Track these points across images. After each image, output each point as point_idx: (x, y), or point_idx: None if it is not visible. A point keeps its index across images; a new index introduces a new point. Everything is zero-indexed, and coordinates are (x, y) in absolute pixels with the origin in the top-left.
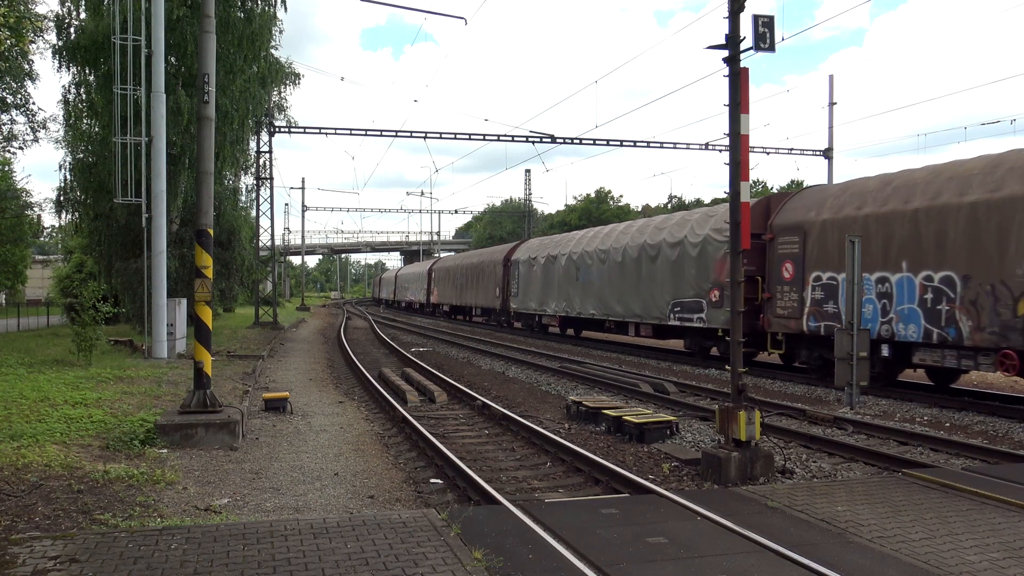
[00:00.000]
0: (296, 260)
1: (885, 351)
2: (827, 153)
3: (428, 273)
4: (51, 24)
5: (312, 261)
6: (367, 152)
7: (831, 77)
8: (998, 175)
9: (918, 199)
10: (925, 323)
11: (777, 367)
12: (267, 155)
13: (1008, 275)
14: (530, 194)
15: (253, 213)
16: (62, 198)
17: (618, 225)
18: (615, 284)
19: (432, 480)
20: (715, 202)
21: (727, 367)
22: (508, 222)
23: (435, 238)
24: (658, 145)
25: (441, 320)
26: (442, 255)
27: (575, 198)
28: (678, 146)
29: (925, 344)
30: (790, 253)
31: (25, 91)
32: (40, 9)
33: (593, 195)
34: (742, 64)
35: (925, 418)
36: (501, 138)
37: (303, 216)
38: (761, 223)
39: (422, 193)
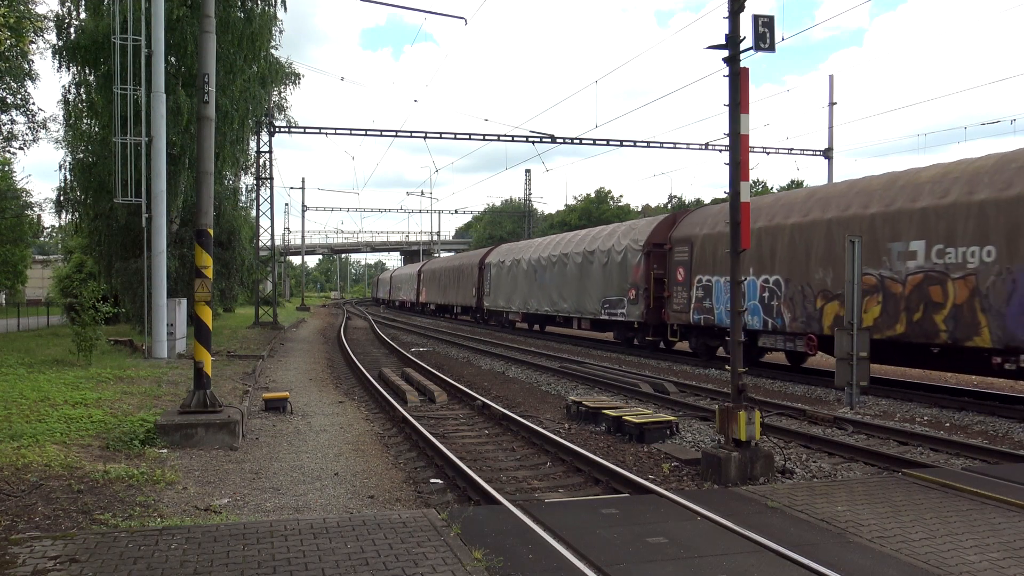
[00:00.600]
0: (296, 260)
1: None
2: (827, 153)
3: (418, 274)
4: (51, 24)
5: (312, 261)
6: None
7: (831, 77)
8: (810, 203)
9: (762, 220)
10: (763, 315)
11: (775, 367)
12: (267, 155)
13: (811, 279)
14: (530, 194)
15: (253, 213)
16: (62, 198)
17: (567, 234)
18: (562, 285)
19: (432, 480)
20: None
21: (727, 367)
22: (508, 222)
23: (435, 238)
24: (658, 145)
25: (441, 320)
26: (442, 255)
27: (575, 198)
28: (678, 146)
29: (763, 331)
30: (682, 260)
31: (25, 91)
32: (40, 9)
33: (593, 195)
34: (742, 64)
35: (925, 418)
36: (501, 138)
37: (303, 216)
38: (665, 235)
39: (422, 193)
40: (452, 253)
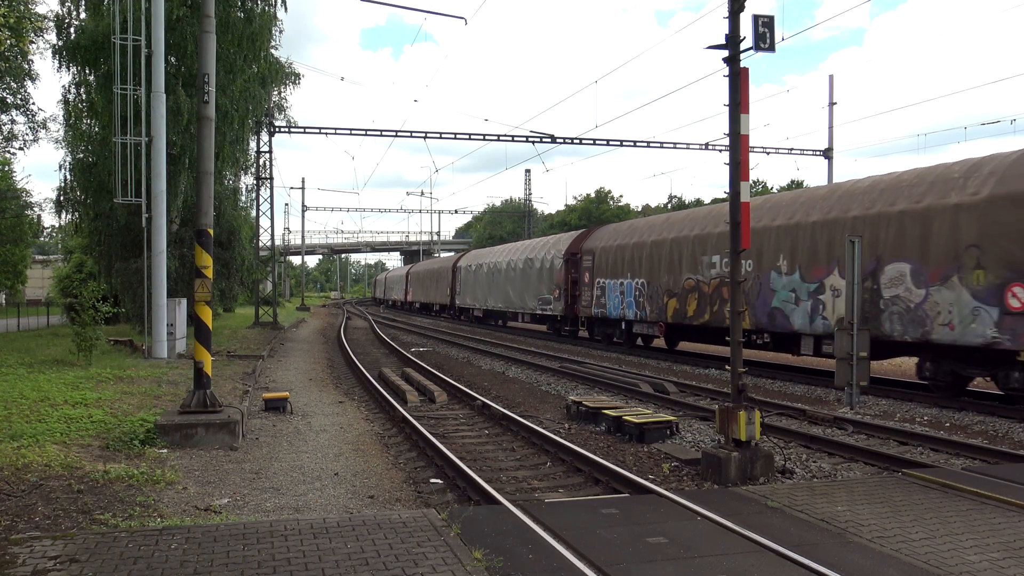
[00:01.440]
0: (296, 260)
1: (623, 325)
2: (827, 153)
3: (406, 276)
4: (51, 24)
5: (312, 261)
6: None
7: (831, 77)
8: (664, 226)
9: (635, 238)
10: (636, 309)
11: (776, 367)
12: (267, 155)
13: (660, 282)
14: (530, 194)
15: (253, 213)
16: (62, 198)
17: (517, 243)
18: (510, 286)
19: (432, 480)
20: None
21: (727, 367)
22: (508, 222)
23: (435, 238)
24: (658, 145)
25: (441, 320)
26: (441, 255)
27: (575, 198)
28: (678, 146)
29: (636, 321)
30: (588, 267)
31: (25, 91)
32: (40, 9)
33: (593, 195)
34: (742, 64)
35: (925, 418)
36: (501, 138)
37: (303, 216)
38: (579, 246)
39: (422, 193)
40: (452, 253)
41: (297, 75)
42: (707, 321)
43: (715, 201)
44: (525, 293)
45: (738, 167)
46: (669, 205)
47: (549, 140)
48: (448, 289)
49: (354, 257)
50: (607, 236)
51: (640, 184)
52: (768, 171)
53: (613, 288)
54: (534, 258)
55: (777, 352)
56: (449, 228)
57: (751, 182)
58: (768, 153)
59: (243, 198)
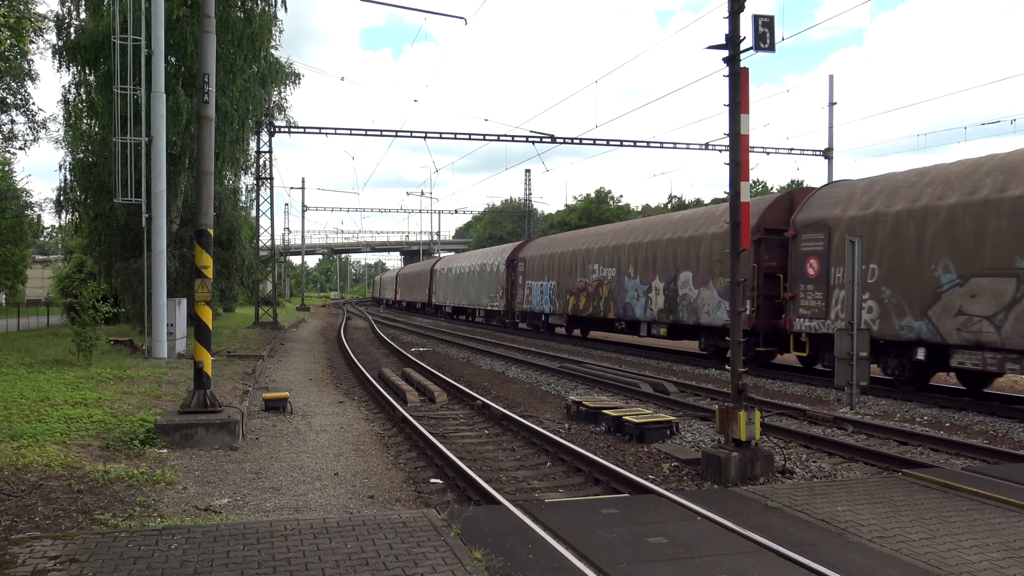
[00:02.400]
0: (296, 260)
1: (543, 318)
2: (827, 153)
3: (395, 278)
4: (51, 24)
5: (312, 261)
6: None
7: (831, 77)
8: (570, 240)
9: (552, 249)
10: (550, 304)
11: (776, 367)
12: (267, 155)
13: (564, 283)
14: (530, 194)
15: (253, 213)
16: (62, 198)
17: (477, 251)
18: (471, 286)
19: (432, 480)
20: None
21: (727, 367)
22: (508, 222)
23: (435, 238)
24: (658, 145)
25: (441, 320)
26: (442, 255)
27: (575, 198)
28: (678, 146)
29: (550, 313)
30: (521, 271)
31: (25, 91)
32: (40, 9)
33: (593, 195)
34: (742, 64)
35: (925, 418)
36: (501, 138)
37: (303, 216)
38: (517, 254)
39: (422, 193)
40: (452, 253)
41: (297, 75)
42: (591, 313)
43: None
44: (480, 293)
45: (738, 167)
46: (669, 205)
47: (549, 140)
48: (426, 290)
49: (354, 257)
50: (535, 247)
51: (640, 184)
52: (768, 171)
53: (537, 289)
54: (486, 264)
55: (629, 334)
56: (449, 228)
57: (751, 182)
58: (768, 153)
59: (243, 198)
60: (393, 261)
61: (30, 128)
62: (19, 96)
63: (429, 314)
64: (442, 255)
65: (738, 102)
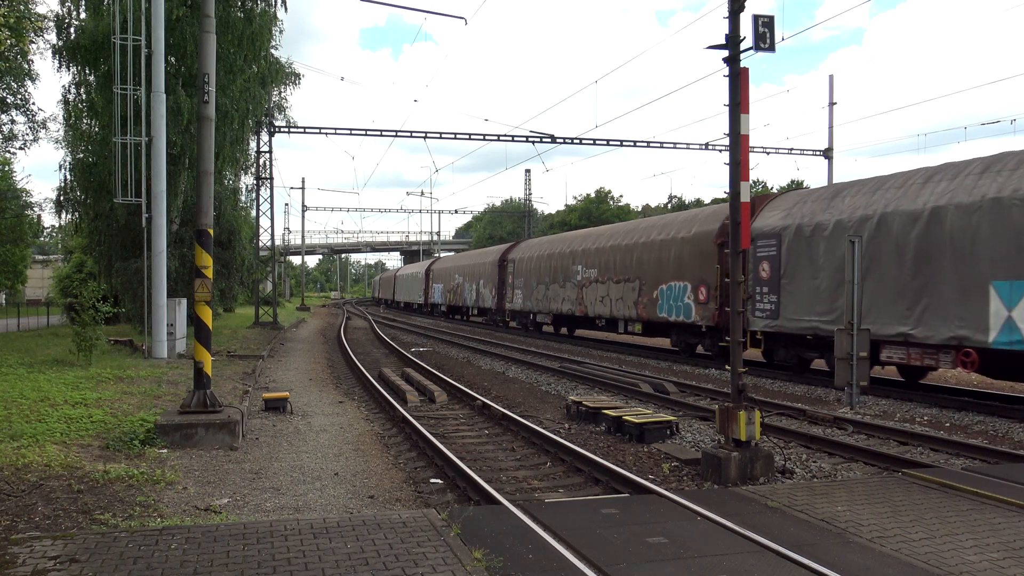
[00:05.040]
0: (296, 260)
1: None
2: (827, 153)
3: (393, 278)
4: (51, 24)
5: (312, 261)
6: (367, 152)
7: (831, 77)
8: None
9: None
10: (475, 300)
11: (776, 367)
12: (267, 155)
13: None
14: (530, 194)
15: (253, 213)
16: (62, 198)
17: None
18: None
19: (432, 480)
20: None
21: (727, 367)
22: (508, 222)
23: (435, 238)
24: (658, 145)
25: (441, 320)
26: (442, 255)
27: (575, 198)
28: (678, 146)
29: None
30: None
31: (25, 91)
32: (40, 9)
33: (593, 195)
34: (742, 64)
35: (925, 418)
36: (501, 138)
37: (303, 216)
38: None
39: (422, 193)
40: (452, 253)
41: (297, 75)
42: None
43: (683, 206)
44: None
45: (738, 167)
46: (669, 205)
47: (549, 140)
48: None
49: (354, 257)
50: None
51: (640, 184)
52: (768, 171)
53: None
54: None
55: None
56: (449, 228)
57: (751, 182)
58: (768, 153)
59: (243, 198)
60: (393, 261)
61: (30, 128)
62: (19, 96)
63: (428, 314)
64: (440, 255)
65: (738, 102)
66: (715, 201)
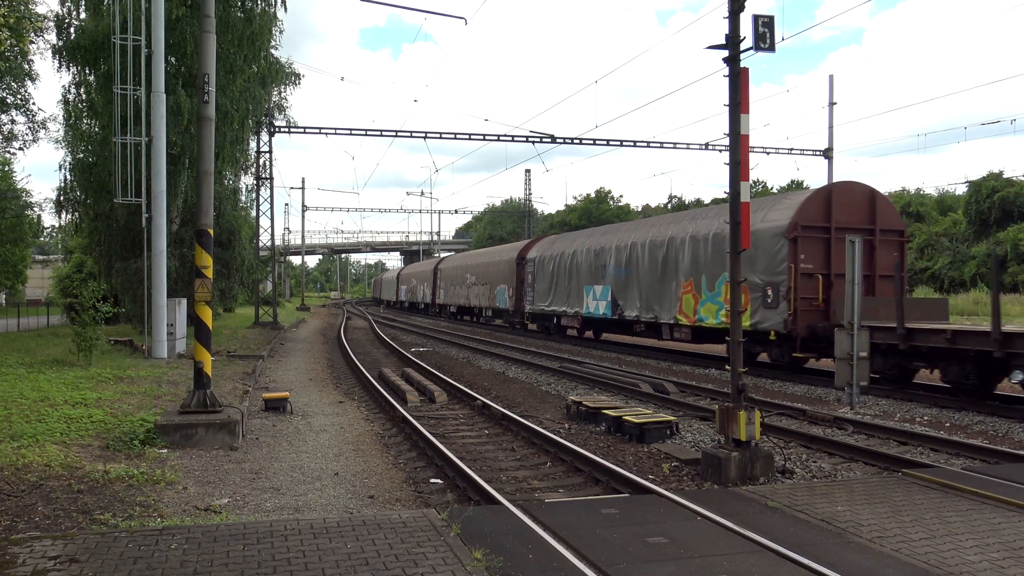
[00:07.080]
0: (296, 260)
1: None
2: (827, 153)
3: (396, 278)
4: (51, 24)
5: (312, 261)
6: (367, 152)
7: (831, 77)
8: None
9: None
10: (564, 306)
11: (776, 367)
12: (267, 155)
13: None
14: (530, 194)
15: (253, 213)
16: (62, 198)
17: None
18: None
19: (432, 480)
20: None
21: (727, 367)
22: (508, 222)
23: (435, 238)
24: (658, 145)
25: (442, 321)
26: (442, 255)
27: (575, 198)
28: (678, 146)
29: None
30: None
31: (25, 91)
32: (40, 9)
33: (593, 195)
34: (742, 64)
35: (925, 418)
36: (501, 138)
37: (303, 216)
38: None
39: (422, 193)
40: (452, 253)
41: (297, 75)
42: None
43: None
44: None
45: (738, 167)
46: (669, 205)
47: (549, 140)
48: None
49: (354, 257)
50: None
51: (640, 184)
52: (768, 171)
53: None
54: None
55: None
56: (449, 228)
57: (751, 182)
58: (768, 153)
59: (243, 198)
60: (393, 261)
61: (30, 128)
62: (19, 96)
63: (430, 314)
64: (443, 255)
65: (738, 102)
66: (715, 201)
